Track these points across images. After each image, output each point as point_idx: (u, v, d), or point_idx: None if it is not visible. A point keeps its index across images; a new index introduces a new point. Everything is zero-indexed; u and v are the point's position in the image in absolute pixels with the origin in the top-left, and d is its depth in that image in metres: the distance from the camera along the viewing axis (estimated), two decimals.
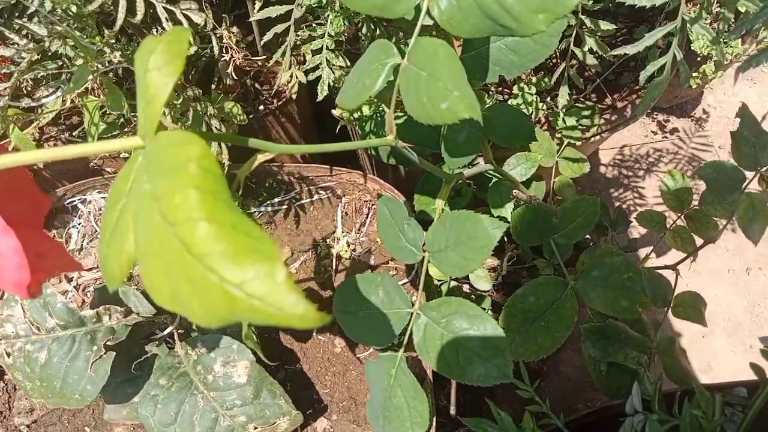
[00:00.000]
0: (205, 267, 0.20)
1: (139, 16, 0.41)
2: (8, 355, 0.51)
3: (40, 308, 0.50)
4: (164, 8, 0.41)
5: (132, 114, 0.48)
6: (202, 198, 0.21)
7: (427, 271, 0.54)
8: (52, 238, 0.31)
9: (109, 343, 0.50)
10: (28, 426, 0.63)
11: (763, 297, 1.19)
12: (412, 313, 0.46)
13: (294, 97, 0.79)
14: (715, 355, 1.11)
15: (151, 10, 0.43)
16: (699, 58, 0.89)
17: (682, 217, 0.76)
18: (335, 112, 0.75)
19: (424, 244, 0.47)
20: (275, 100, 0.80)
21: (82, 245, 0.70)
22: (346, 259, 0.72)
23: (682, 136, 1.46)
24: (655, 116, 1.49)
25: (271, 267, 0.19)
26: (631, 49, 0.53)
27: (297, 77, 0.64)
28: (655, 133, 1.47)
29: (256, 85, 0.80)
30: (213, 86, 0.73)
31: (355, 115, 0.75)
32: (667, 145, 1.45)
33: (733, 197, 0.66)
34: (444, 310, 0.45)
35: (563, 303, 0.62)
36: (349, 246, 0.72)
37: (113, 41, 0.41)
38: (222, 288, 0.19)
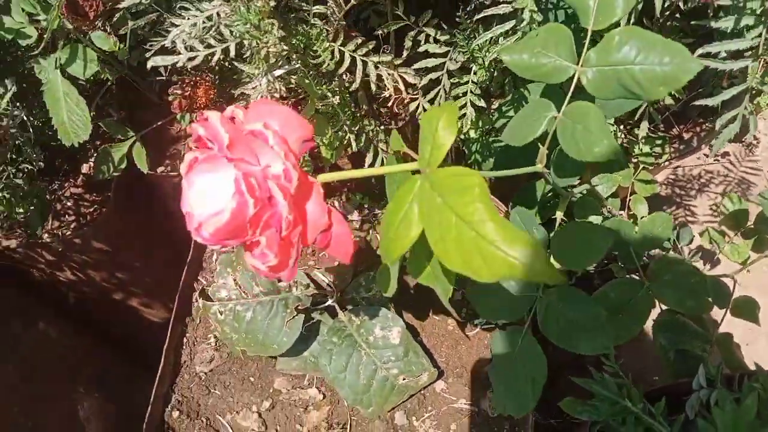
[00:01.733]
0: (495, 248, 0.35)
1: (373, 77, 0.57)
2: (220, 313, 0.68)
3: (249, 278, 0.67)
4: (387, 73, 0.57)
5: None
6: (485, 208, 0.36)
7: None
8: None
9: (299, 307, 0.66)
10: (206, 373, 0.80)
11: None
12: (536, 297, 0.61)
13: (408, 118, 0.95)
14: (760, 360, 1.22)
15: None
16: (753, 91, 1.01)
17: (739, 234, 0.90)
18: None
19: (547, 247, 0.61)
20: (392, 122, 0.96)
21: None
22: None
23: (732, 159, 1.57)
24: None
25: (537, 248, 0.34)
26: (709, 101, 0.67)
27: (423, 106, 0.79)
28: (707, 156, 1.58)
29: (380, 109, 0.96)
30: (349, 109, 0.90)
31: (462, 137, 0.90)
32: (718, 168, 1.56)
33: None
34: (561, 295, 0.60)
35: (639, 301, 0.76)
36: None
37: (336, 89, 0.58)
38: (506, 260, 0.34)
